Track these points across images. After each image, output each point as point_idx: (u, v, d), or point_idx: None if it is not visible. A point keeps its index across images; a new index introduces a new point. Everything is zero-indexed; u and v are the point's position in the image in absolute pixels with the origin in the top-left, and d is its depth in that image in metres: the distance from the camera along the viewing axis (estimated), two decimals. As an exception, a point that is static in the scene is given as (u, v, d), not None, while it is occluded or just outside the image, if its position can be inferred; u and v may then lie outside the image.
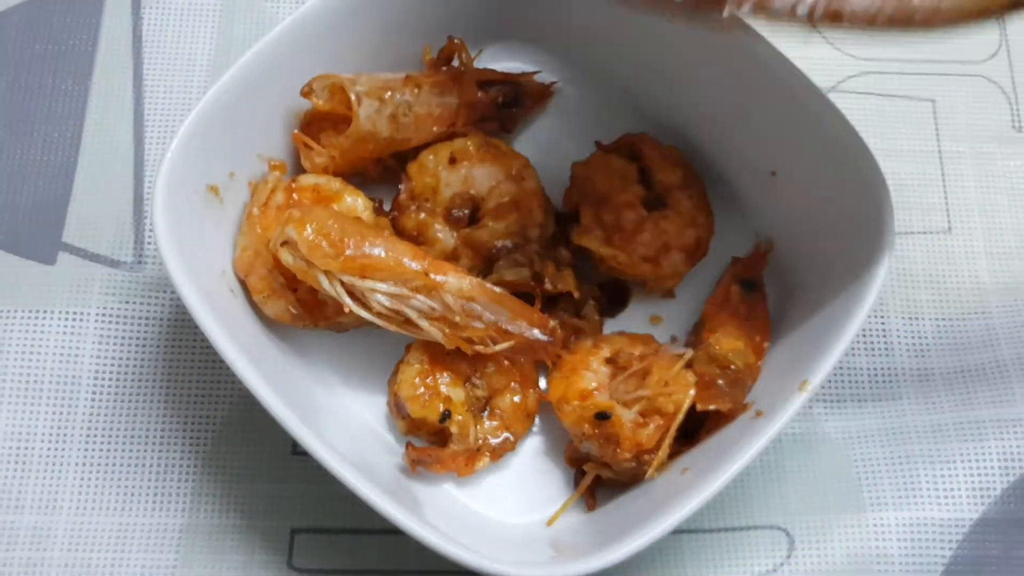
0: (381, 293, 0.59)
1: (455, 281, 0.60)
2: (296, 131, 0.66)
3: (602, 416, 0.59)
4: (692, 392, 0.60)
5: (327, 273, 0.59)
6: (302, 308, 0.63)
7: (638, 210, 0.66)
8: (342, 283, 0.59)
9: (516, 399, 0.63)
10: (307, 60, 0.64)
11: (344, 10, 0.64)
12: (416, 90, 0.67)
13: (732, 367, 0.62)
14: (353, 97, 0.64)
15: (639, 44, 0.69)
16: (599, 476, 0.61)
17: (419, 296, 0.60)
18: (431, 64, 0.70)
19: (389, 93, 0.66)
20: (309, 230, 0.59)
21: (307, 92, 0.65)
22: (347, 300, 0.59)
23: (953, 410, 0.66)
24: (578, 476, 0.62)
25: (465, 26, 0.70)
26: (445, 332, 0.60)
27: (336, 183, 0.65)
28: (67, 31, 0.75)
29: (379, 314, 0.60)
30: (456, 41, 0.70)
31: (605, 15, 0.69)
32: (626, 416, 0.59)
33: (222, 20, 0.76)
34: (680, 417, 0.59)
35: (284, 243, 0.60)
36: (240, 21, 0.76)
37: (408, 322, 0.60)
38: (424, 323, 0.60)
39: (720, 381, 0.61)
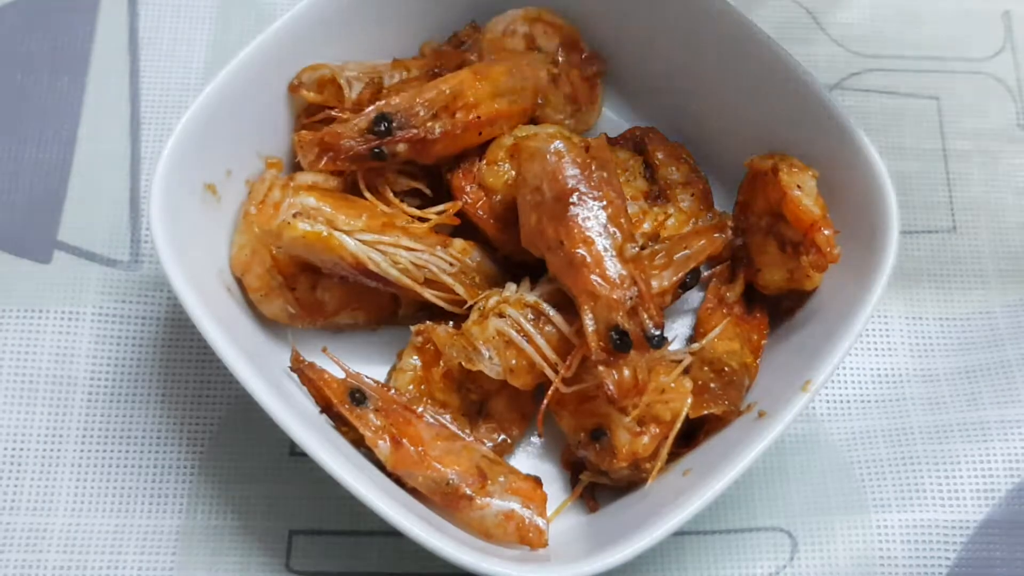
0: (404, 249, 0.60)
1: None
2: (300, 131, 0.65)
3: (599, 434, 0.58)
4: (689, 400, 0.59)
5: (349, 234, 0.60)
6: (300, 307, 0.62)
7: (640, 204, 0.65)
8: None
9: (510, 400, 0.62)
10: (304, 57, 0.64)
11: (341, 6, 0.64)
12: (405, 72, 0.66)
13: (726, 369, 0.61)
14: (343, 82, 0.63)
15: (643, 43, 0.69)
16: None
17: (439, 248, 0.61)
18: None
19: (378, 77, 0.65)
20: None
21: (295, 86, 0.64)
22: (375, 255, 0.60)
23: (957, 411, 0.66)
24: (574, 478, 0.62)
25: (464, 17, 0.70)
26: (465, 284, 0.61)
27: (333, 180, 0.64)
28: (63, 28, 0.74)
29: (404, 270, 0.60)
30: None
31: (610, 7, 0.69)
32: (622, 425, 0.58)
33: (219, 17, 0.76)
34: (677, 427, 0.58)
35: (297, 214, 0.59)
36: (237, 18, 0.76)
37: (430, 281, 0.61)
38: (447, 279, 0.61)
39: (713, 385, 0.60)
